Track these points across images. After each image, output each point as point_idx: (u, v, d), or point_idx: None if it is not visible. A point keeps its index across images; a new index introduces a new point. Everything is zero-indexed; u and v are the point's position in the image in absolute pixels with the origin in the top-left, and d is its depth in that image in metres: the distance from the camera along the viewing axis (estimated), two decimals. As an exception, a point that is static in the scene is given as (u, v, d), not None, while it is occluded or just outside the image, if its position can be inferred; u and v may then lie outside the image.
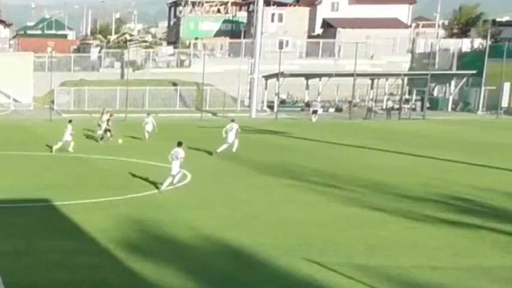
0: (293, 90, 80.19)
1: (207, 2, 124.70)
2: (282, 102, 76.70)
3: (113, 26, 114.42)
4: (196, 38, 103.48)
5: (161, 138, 42.90)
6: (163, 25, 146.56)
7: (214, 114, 70.39)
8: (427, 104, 74.61)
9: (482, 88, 78.77)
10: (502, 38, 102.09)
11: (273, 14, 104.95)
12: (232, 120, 40.93)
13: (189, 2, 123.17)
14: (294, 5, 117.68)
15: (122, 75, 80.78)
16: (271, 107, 74.06)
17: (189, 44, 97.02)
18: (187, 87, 77.21)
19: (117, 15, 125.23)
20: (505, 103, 76.11)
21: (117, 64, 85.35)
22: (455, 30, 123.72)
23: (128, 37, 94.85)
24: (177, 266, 17.59)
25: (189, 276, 16.84)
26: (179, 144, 27.59)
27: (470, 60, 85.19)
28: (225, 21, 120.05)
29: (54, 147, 40.34)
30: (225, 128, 39.38)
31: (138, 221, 22.73)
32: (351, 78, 71.13)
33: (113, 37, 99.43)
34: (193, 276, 16.78)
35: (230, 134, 39.26)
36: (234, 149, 39.06)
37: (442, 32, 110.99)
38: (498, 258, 17.61)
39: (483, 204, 24.45)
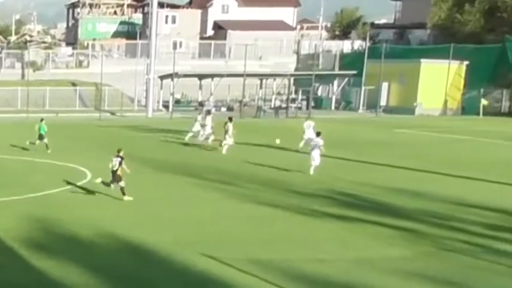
0: (187, 90, 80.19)
1: (103, 4, 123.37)
2: (177, 101, 76.68)
3: (13, 27, 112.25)
4: (94, 39, 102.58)
5: (62, 138, 42.50)
6: (62, 26, 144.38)
7: (112, 113, 69.96)
8: (312, 103, 75.55)
9: (363, 88, 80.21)
10: (380, 39, 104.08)
11: (166, 16, 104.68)
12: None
13: (87, 4, 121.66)
14: (187, 7, 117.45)
15: (23, 75, 79.29)
16: (166, 107, 73.99)
17: (87, 45, 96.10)
18: (86, 87, 76.33)
19: (17, 17, 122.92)
20: (383, 102, 77.78)
21: (18, 65, 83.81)
22: (337, 32, 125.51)
23: (28, 38, 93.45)
24: (80, 263, 17.39)
25: (92, 273, 16.68)
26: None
27: (351, 61, 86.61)
28: (121, 23, 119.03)
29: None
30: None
31: (41, 219, 22.34)
32: (241, 79, 71.62)
33: (13, 38, 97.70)
34: (97, 274, 16.64)
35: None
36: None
37: (325, 34, 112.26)
38: (381, 250, 18.05)
39: (366, 199, 25.08)
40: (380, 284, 15.17)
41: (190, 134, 44.32)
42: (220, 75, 76.63)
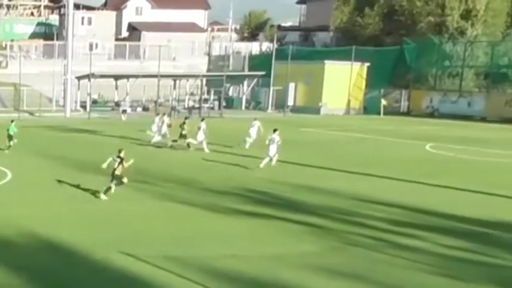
0: (104, 90, 79.39)
1: (21, 5, 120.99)
2: (94, 102, 75.87)
3: None
4: (12, 40, 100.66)
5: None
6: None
7: (31, 114, 68.73)
8: (224, 103, 75.68)
9: (271, 88, 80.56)
10: (287, 41, 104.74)
11: (82, 18, 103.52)
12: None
13: (4, 5, 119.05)
14: (102, 9, 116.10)
15: None
16: (84, 107, 73.11)
17: (5, 45, 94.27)
18: (4, 87, 74.83)
19: None
20: (290, 102, 78.36)
21: None
22: (246, 34, 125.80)
23: None
24: (1, 263, 16.98)
25: (13, 273, 16.31)
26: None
27: (260, 62, 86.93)
28: (38, 24, 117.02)
29: None
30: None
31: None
32: (156, 79, 71.29)
33: None
34: (18, 273, 16.26)
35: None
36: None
37: (234, 35, 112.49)
38: (292, 245, 18.18)
39: (277, 196, 25.23)
40: (291, 278, 15.30)
41: (152, 135, 43.87)
42: (136, 76, 76.07)
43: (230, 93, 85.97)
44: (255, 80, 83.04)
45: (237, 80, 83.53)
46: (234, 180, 28.86)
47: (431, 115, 76.35)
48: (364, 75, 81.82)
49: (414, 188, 27.79)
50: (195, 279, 15.37)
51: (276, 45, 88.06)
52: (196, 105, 74.44)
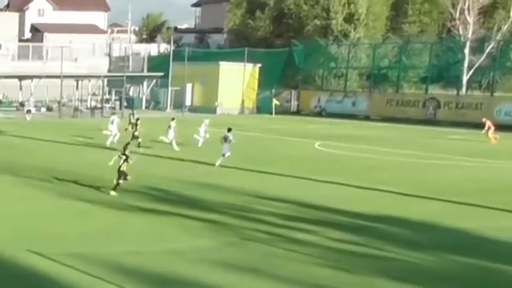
0: (8, 91, 77.53)
1: None
2: (-1, 102, 74.22)
3: None
4: None
5: None
6: None
7: None
8: (125, 103, 74.90)
9: (169, 88, 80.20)
10: (183, 43, 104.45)
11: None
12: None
13: None
14: (4, 10, 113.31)
15: None
16: (-11, 108, 71.35)
17: None
18: None
19: None
20: (188, 102, 78.18)
21: None
22: (144, 36, 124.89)
23: None
24: None
25: None
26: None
27: (158, 63, 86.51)
28: None
29: None
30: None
31: None
32: (59, 80, 69.91)
33: None
34: None
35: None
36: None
37: (133, 37, 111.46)
38: (190, 241, 18.01)
39: (176, 194, 25.04)
40: (189, 273, 15.17)
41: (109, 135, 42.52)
42: (39, 77, 74.51)
43: (131, 94, 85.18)
44: (154, 80, 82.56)
45: (136, 80, 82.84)
46: (135, 178, 28.36)
47: (319, 114, 77.40)
48: (257, 76, 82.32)
49: (305, 185, 28.03)
50: (100, 275, 15.04)
51: (173, 47, 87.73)
52: (99, 105, 73.38)
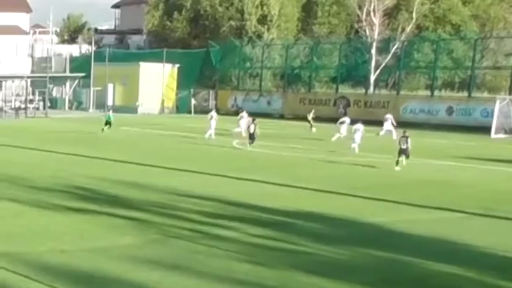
0: None
1: None
2: None
3: None
4: None
5: None
6: None
7: None
8: (48, 104, 73.70)
9: (91, 89, 79.20)
10: (104, 44, 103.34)
11: None
12: None
13: None
14: None
15: None
16: None
17: None
18: None
19: None
20: (110, 102, 77.33)
21: None
22: (66, 37, 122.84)
23: None
24: None
25: None
26: None
27: (80, 64, 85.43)
28: None
29: None
30: None
31: None
32: (-17, 81, 68.31)
33: None
34: None
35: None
36: None
37: (55, 38, 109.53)
38: (115, 239, 17.84)
39: (101, 192, 24.69)
40: (115, 270, 15.02)
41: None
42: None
43: (54, 94, 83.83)
44: (77, 81, 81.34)
45: (59, 81, 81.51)
46: (60, 178, 28.01)
47: (236, 113, 77.53)
48: (175, 76, 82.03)
49: (225, 182, 28.08)
50: (27, 274, 14.73)
51: (94, 48, 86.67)
52: (23, 106, 71.87)
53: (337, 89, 77.04)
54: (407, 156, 33.46)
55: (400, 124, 50.58)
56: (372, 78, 74.53)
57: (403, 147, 33.25)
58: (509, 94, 62.43)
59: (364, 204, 23.57)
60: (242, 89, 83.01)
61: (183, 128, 55.00)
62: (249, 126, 42.98)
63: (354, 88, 78.77)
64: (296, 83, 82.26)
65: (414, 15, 75.62)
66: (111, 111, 46.95)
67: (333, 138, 44.71)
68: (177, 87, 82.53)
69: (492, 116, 58.59)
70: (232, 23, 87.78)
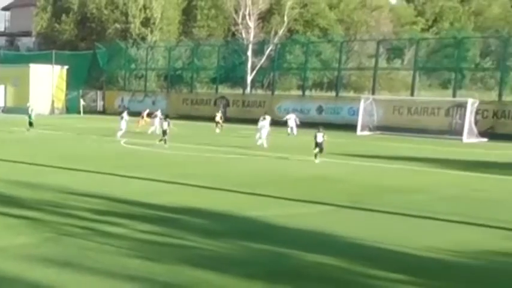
0: None
1: None
2: None
3: None
4: None
5: None
6: None
7: None
8: None
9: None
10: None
11: None
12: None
13: None
14: None
15: None
16: None
17: None
18: None
19: None
20: (2, 103, 75.11)
21: None
22: None
23: None
24: None
25: None
26: None
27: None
28: None
29: None
30: None
31: None
32: None
33: None
34: None
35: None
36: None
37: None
38: (11, 239, 17.29)
39: (-4, 193, 23.90)
40: (11, 270, 14.48)
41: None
42: None
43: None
44: None
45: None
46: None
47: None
48: (65, 78, 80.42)
49: (113, 180, 27.84)
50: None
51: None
52: None
53: (216, 89, 77.46)
54: (321, 150, 34.06)
55: (275, 123, 51.23)
56: (249, 79, 75.39)
57: (319, 141, 33.86)
58: (373, 94, 64.53)
59: (246, 199, 23.79)
60: (128, 90, 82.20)
61: (73, 128, 53.94)
62: (162, 124, 43.07)
63: (232, 88, 79.45)
64: (179, 84, 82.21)
65: (286, 19, 77.02)
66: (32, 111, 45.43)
67: (258, 143, 43.45)
68: (67, 88, 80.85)
69: (358, 115, 60.32)
70: (118, 25, 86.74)
